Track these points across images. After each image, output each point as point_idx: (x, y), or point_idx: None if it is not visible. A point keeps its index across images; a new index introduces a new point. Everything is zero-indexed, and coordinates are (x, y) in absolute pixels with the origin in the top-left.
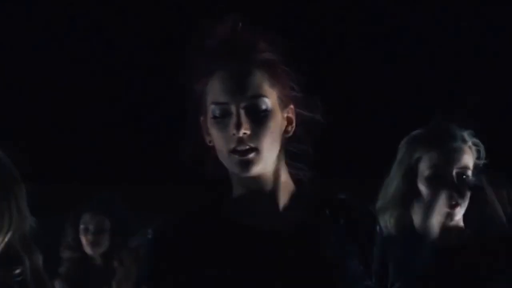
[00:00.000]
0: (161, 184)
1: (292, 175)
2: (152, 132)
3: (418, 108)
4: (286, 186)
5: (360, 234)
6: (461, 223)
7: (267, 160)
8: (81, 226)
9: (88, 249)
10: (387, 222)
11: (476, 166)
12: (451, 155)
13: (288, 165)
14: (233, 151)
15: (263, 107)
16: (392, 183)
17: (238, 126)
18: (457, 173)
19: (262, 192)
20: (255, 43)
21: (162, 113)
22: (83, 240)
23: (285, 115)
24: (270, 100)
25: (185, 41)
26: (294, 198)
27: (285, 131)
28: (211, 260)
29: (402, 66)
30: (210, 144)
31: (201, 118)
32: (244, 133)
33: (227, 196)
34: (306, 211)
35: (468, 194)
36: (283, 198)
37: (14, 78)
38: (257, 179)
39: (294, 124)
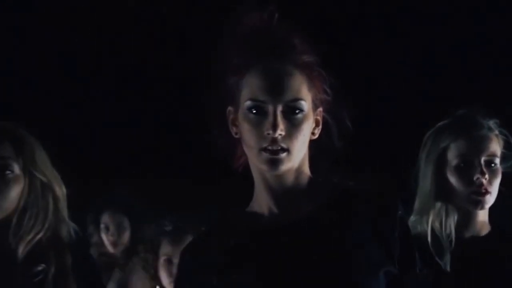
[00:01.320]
0: (175, 179)
1: (313, 171)
2: (167, 127)
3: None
4: (307, 182)
5: (380, 221)
6: (486, 218)
7: (296, 160)
8: (102, 226)
9: (110, 248)
10: (431, 223)
11: (503, 155)
12: (479, 143)
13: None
14: (264, 149)
15: (300, 110)
16: (425, 180)
17: (275, 127)
18: (485, 161)
19: (283, 189)
20: (294, 42)
21: (177, 108)
22: (105, 239)
23: (315, 117)
24: (307, 103)
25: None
26: (314, 193)
27: (312, 133)
28: (237, 258)
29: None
30: (236, 136)
31: (229, 109)
32: (280, 134)
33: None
34: (325, 204)
35: (498, 182)
36: (304, 194)
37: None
38: (281, 176)
39: (320, 127)
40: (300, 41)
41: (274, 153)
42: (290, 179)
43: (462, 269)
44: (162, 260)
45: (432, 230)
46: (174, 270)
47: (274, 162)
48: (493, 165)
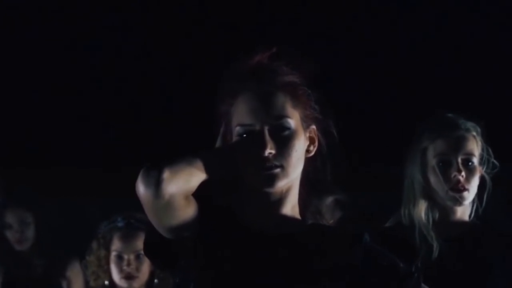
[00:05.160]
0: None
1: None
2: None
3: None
4: (294, 203)
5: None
6: (466, 216)
7: (291, 176)
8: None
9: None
10: (412, 215)
11: (482, 158)
12: (456, 142)
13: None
14: (259, 168)
15: (287, 127)
16: (409, 180)
17: (264, 146)
18: (462, 160)
19: (271, 208)
20: (274, 66)
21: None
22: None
23: (307, 135)
24: (293, 120)
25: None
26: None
27: (307, 151)
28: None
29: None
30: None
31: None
32: (270, 153)
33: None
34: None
35: (475, 180)
36: (289, 213)
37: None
38: (272, 194)
39: (316, 144)
40: (280, 64)
41: (268, 169)
42: (278, 199)
43: (445, 263)
44: (112, 255)
45: (418, 226)
46: (124, 266)
47: (270, 178)
48: (470, 163)
